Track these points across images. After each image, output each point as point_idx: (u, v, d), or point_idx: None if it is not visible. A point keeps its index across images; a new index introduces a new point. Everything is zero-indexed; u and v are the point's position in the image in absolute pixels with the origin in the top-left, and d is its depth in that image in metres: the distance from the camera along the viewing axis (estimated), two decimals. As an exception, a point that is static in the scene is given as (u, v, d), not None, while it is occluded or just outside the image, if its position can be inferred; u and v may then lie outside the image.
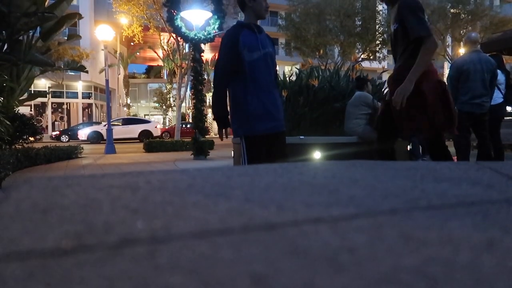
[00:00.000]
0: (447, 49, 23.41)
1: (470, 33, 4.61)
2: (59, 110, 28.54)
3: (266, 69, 2.44)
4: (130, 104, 32.63)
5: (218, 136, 2.56)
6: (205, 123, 8.30)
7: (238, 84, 2.42)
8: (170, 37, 16.72)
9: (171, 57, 19.72)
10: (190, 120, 21.19)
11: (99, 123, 23.10)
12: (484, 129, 4.27)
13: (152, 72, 40.58)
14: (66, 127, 26.30)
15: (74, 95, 28.71)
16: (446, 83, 2.72)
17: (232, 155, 5.35)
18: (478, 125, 4.26)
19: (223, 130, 2.49)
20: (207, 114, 8.76)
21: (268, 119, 2.43)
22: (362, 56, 18.56)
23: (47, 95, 25.04)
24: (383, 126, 2.74)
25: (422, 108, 2.44)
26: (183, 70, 15.17)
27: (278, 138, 2.53)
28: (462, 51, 23.25)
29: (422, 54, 2.38)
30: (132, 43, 27.03)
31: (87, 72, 10.17)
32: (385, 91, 2.86)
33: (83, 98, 29.03)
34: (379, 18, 18.92)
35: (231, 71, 2.41)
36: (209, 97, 30.41)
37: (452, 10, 21.32)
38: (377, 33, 18.00)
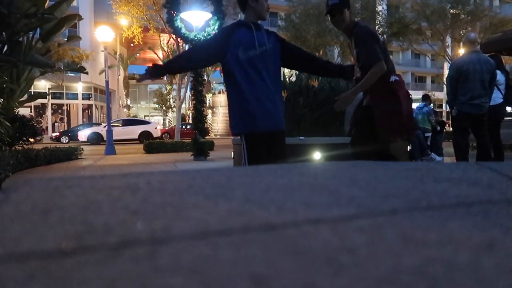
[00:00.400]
0: (447, 49, 23.43)
1: (469, 33, 4.61)
2: (59, 111, 28.56)
3: (264, 67, 2.38)
4: (130, 105, 32.67)
5: (143, 77, 2.39)
6: (205, 124, 8.29)
7: (235, 82, 2.38)
8: (170, 38, 16.75)
9: (171, 58, 19.73)
10: (190, 121, 21.20)
11: (99, 124, 23.10)
12: (483, 129, 4.27)
13: (152, 73, 40.56)
14: (66, 128, 26.31)
15: (74, 96, 28.72)
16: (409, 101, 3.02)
17: (232, 156, 5.35)
18: (477, 125, 4.26)
19: (148, 76, 2.34)
20: (207, 115, 8.76)
21: (266, 117, 2.38)
22: (361, 57, 18.53)
23: (47, 96, 25.06)
24: (362, 131, 2.92)
25: (398, 113, 2.73)
26: (183, 71, 15.15)
27: (278, 137, 2.49)
28: (461, 51, 23.26)
29: (368, 76, 2.64)
30: (132, 44, 27.07)
31: (87, 73, 10.19)
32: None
33: (83, 99, 29.04)
34: (379, 18, 18.97)
35: (202, 57, 2.42)
36: (209, 98, 30.47)
37: (451, 11, 21.35)
38: (376, 33, 18.00)
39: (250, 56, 2.33)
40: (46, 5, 7.66)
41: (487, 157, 4.21)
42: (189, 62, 2.51)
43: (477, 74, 4.11)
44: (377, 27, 18.22)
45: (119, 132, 18.88)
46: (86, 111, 29.62)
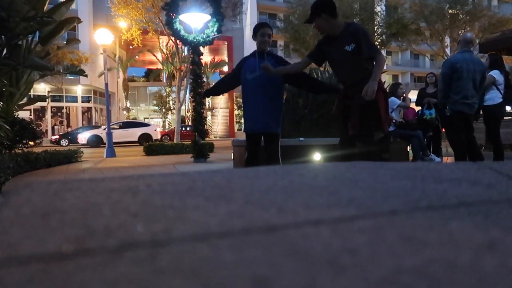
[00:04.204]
0: (446, 49, 23.43)
1: (466, 33, 4.61)
2: (59, 114, 28.54)
3: (261, 86, 3.16)
4: (130, 107, 32.61)
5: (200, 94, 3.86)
6: (205, 125, 8.29)
7: (243, 93, 3.31)
8: (169, 40, 16.73)
9: (170, 60, 19.71)
10: (190, 123, 21.17)
11: (98, 126, 23.07)
12: (471, 129, 4.27)
13: (151, 75, 40.60)
14: (65, 131, 26.29)
15: (74, 99, 28.69)
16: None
17: (232, 158, 5.35)
18: (466, 124, 4.25)
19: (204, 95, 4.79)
20: (206, 117, 8.77)
21: (252, 123, 3.24)
22: (360, 57, 18.53)
23: (47, 99, 25.04)
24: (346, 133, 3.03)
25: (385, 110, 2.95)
26: (182, 73, 15.18)
27: (269, 138, 3.24)
28: (460, 51, 23.20)
29: (379, 65, 2.80)
30: (131, 47, 27.03)
31: (86, 76, 10.18)
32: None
33: (82, 102, 29.01)
34: (378, 19, 18.98)
35: (228, 80, 3.68)
36: (208, 99, 30.49)
37: (450, 11, 21.35)
38: (375, 34, 18.03)
39: (252, 77, 3.19)
40: (45, 8, 7.67)
41: (477, 150, 4.25)
42: (222, 84, 3.69)
43: (470, 73, 4.10)
44: (376, 27, 18.21)
45: (119, 135, 18.87)
46: (86, 113, 29.60)
